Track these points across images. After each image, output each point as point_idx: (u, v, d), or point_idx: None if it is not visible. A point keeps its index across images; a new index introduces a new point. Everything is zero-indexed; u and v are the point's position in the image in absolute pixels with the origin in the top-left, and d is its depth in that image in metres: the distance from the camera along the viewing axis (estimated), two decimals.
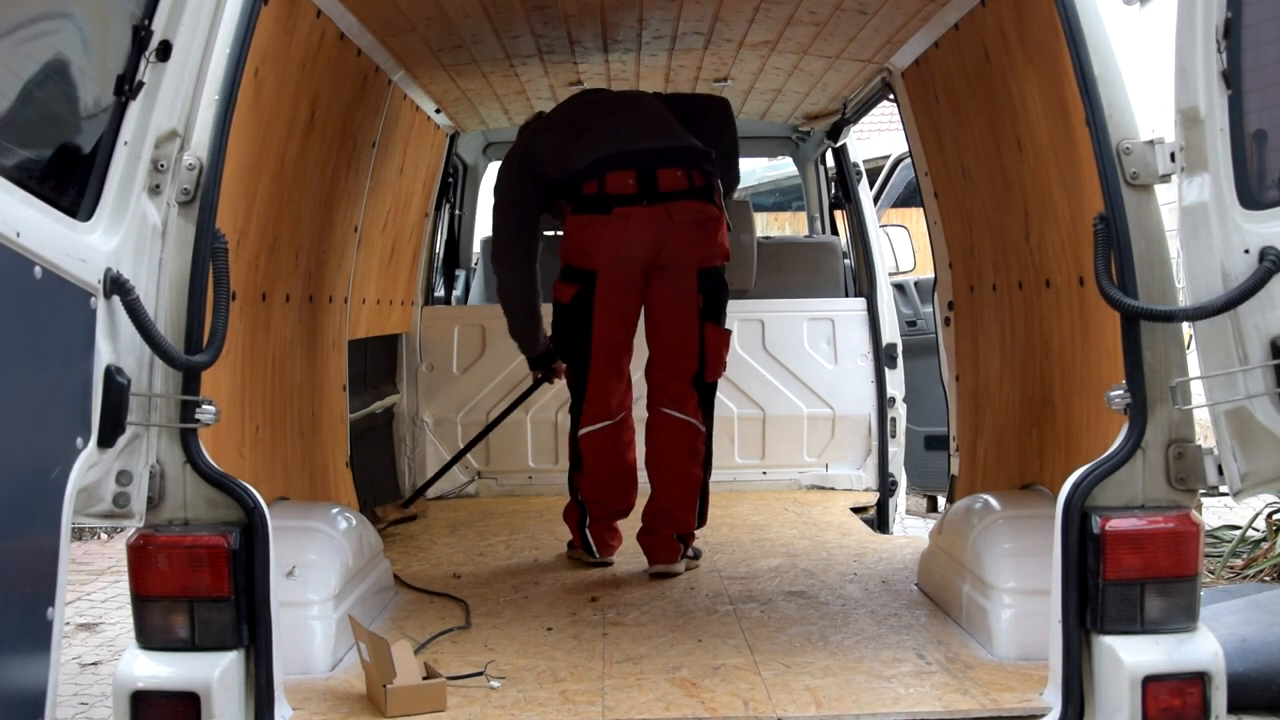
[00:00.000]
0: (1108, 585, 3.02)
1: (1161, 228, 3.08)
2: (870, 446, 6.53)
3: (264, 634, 3.02)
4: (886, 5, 4.46)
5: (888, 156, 9.76)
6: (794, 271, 6.82)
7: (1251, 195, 2.86)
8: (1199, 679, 3.00)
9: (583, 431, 4.90)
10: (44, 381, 2.58)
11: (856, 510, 6.16)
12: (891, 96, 5.34)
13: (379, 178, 5.17)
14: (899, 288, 7.26)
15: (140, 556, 3.01)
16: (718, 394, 6.28)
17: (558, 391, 5.97)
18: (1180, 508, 3.07)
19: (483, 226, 6.61)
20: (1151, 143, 3.05)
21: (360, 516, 4.18)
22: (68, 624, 6.77)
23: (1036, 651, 3.31)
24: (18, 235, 2.40)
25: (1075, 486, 3.06)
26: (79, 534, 8.76)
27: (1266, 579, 6.86)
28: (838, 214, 7.36)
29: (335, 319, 4.75)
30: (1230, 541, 7.33)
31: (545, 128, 5.09)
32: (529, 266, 5.09)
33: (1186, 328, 3.02)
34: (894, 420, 6.48)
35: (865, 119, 6.67)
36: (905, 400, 6.53)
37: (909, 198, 8.73)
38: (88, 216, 2.76)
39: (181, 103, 2.96)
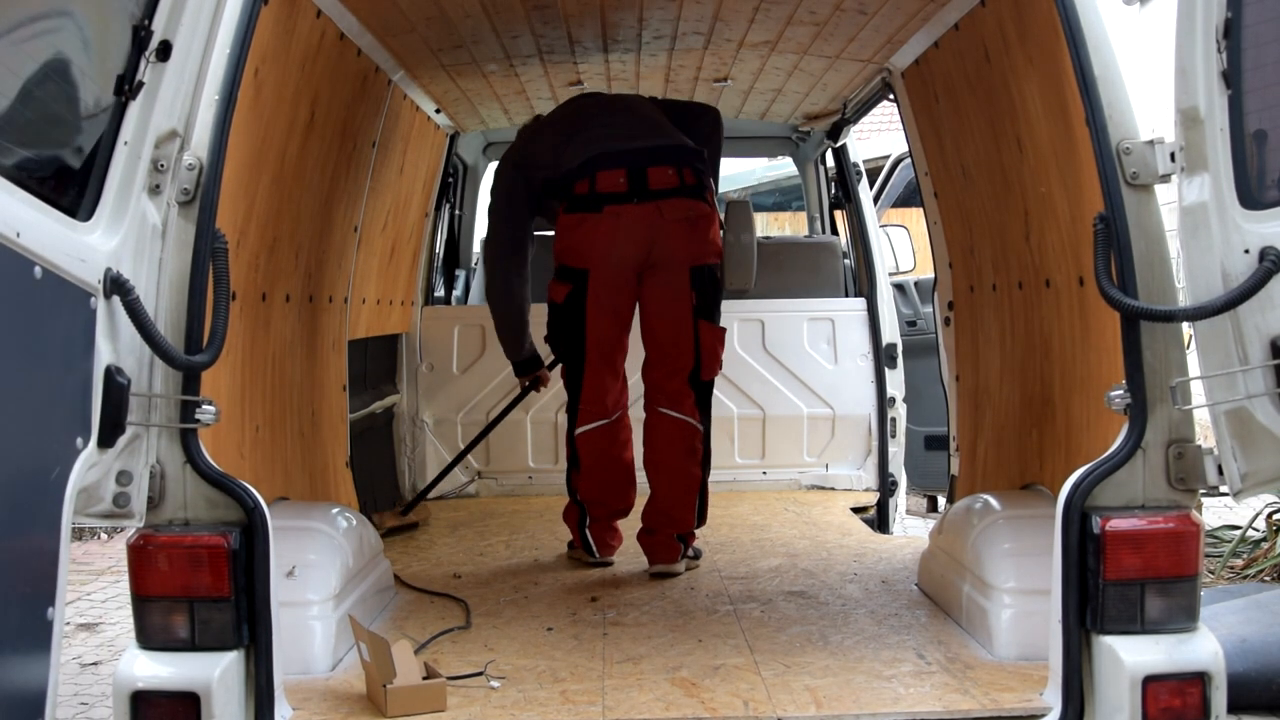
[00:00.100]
0: (1108, 585, 3.02)
1: (1161, 228, 3.07)
2: (870, 446, 6.53)
3: (264, 634, 3.02)
4: (886, 5, 4.46)
5: (888, 156, 9.76)
6: (794, 271, 6.82)
7: (1251, 195, 2.86)
8: (1199, 679, 3.00)
9: (579, 431, 4.90)
10: (44, 381, 2.58)
11: (856, 510, 6.16)
12: (891, 96, 5.34)
13: (379, 178, 5.17)
14: (899, 288, 7.26)
15: (140, 556, 3.01)
16: (718, 394, 6.32)
17: (558, 392, 5.96)
18: (1180, 508, 3.07)
19: (483, 227, 6.61)
20: (1151, 143, 3.05)
21: (360, 516, 4.18)
22: (68, 624, 6.77)
23: (1036, 651, 3.31)
24: (18, 235, 2.40)
25: (1075, 486, 3.06)
26: (79, 534, 8.75)
27: (1266, 579, 6.86)
28: (838, 214, 7.36)
29: (335, 319, 4.75)
30: (1230, 541, 7.33)
31: (540, 131, 5.12)
32: (520, 271, 5.10)
33: (1186, 328, 3.02)
34: (894, 420, 6.49)
35: (865, 119, 6.67)
36: (905, 400, 6.54)
37: (909, 198, 8.73)
38: (88, 216, 2.76)
39: (181, 103, 2.96)
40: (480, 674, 3.47)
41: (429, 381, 6.56)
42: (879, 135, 15.08)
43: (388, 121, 5.11)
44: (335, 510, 3.99)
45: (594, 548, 4.91)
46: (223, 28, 3.05)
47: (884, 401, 6.48)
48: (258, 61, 3.41)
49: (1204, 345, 2.92)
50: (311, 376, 4.42)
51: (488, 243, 5.20)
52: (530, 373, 5.40)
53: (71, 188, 2.73)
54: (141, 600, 3.03)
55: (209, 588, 3.00)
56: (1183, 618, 3.05)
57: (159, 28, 2.85)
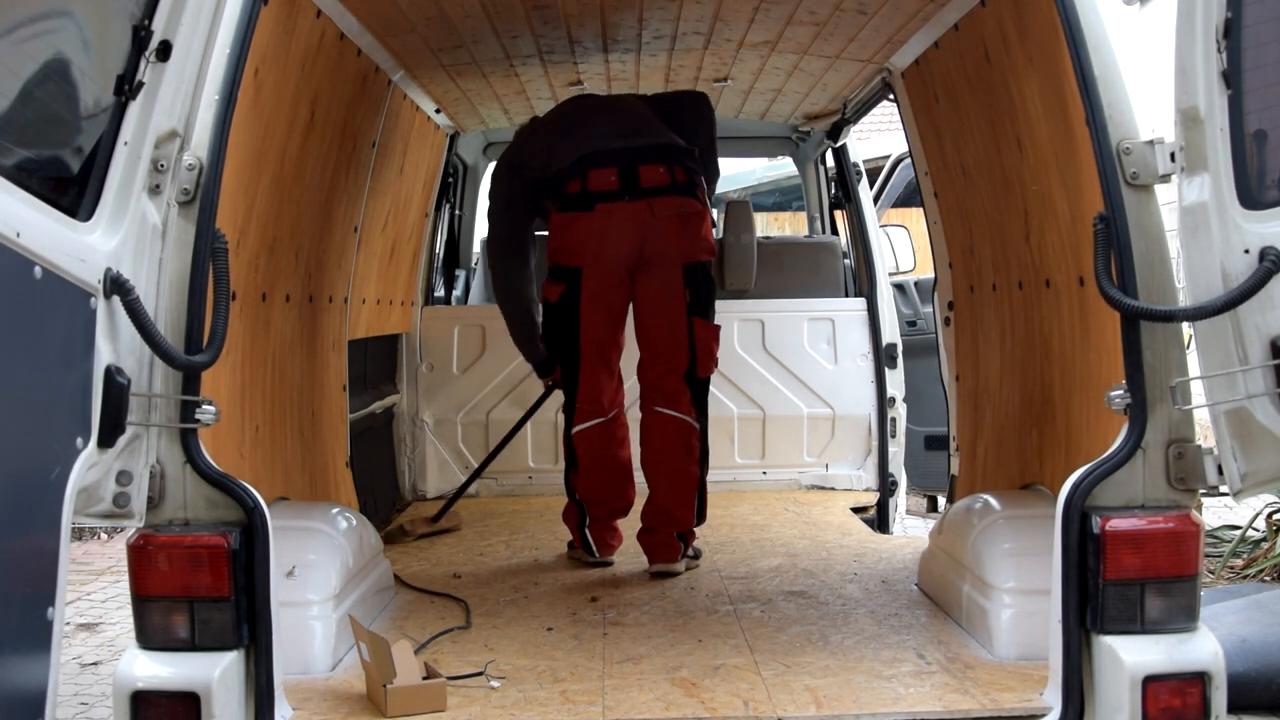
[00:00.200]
0: (1108, 585, 3.02)
1: (1161, 228, 3.07)
2: (870, 446, 6.53)
3: (264, 634, 3.02)
4: (886, 5, 4.46)
5: (888, 156, 9.76)
6: (794, 271, 6.82)
7: (1251, 195, 2.86)
8: (1199, 679, 3.00)
9: (576, 429, 4.91)
10: (44, 382, 2.58)
11: (856, 510, 6.16)
12: (891, 96, 5.34)
13: (379, 178, 5.17)
14: (899, 288, 7.26)
15: (140, 556, 3.01)
16: (718, 394, 6.35)
17: (559, 392, 5.97)
18: (1180, 508, 3.07)
19: (483, 226, 6.61)
20: (1151, 143, 3.05)
21: (360, 516, 4.18)
22: (68, 624, 6.77)
23: (1036, 651, 3.31)
24: (18, 235, 2.40)
25: (1075, 486, 3.06)
26: (79, 534, 8.75)
27: (1266, 579, 6.86)
28: (838, 214, 7.36)
29: (335, 319, 4.75)
30: (1230, 541, 7.33)
31: (534, 132, 5.15)
32: (523, 272, 5.13)
33: (1186, 328, 3.02)
34: (894, 420, 6.49)
35: (865, 119, 6.67)
36: (905, 400, 6.54)
37: (909, 198, 8.73)
38: (88, 216, 2.76)
39: (181, 103, 2.96)
40: (480, 674, 3.47)
41: (429, 381, 6.56)
42: (879, 135, 15.08)
43: (388, 121, 5.11)
44: (335, 510, 3.99)
45: (594, 547, 4.91)
46: (223, 28, 3.05)
47: (884, 401, 6.48)
48: (258, 61, 3.41)
49: (1204, 345, 2.92)
50: (311, 376, 4.42)
51: (489, 245, 5.23)
52: (552, 372, 5.39)
53: (71, 188, 2.73)
54: (141, 600, 3.03)
55: (209, 588, 3.00)
56: (1183, 618, 3.05)
57: (159, 28, 2.85)
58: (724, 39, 5.15)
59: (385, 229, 5.53)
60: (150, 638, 3.03)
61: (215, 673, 2.97)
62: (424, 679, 3.27)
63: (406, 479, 6.49)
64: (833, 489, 6.51)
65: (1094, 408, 3.49)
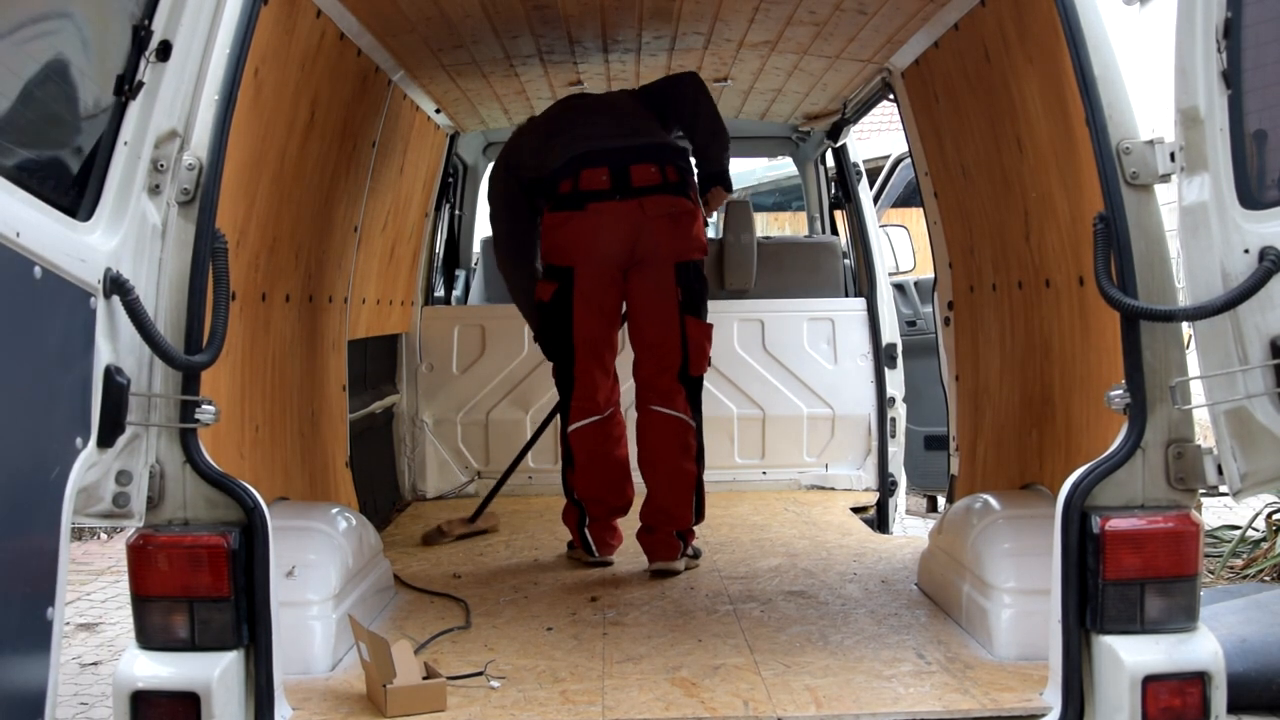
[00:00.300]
0: (1107, 585, 3.02)
1: (1161, 228, 3.07)
2: (870, 446, 6.53)
3: (264, 634, 3.02)
4: (886, 5, 4.46)
5: (888, 156, 9.76)
6: (794, 271, 6.82)
7: (1251, 195, 2.86)
8: (1199, 679, 3.00)
9: (572, 427, 4.93)
10: (44, 381, 2.58)
11: (856, 510, 6.16)
12: (891, 96, 5.34)
13: (379, 178, 5.17)
14: (899, 288, 7.27)
15: (140, 556, 3.01)
16: (718, 394, 6.36)
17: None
18: (1180, 508, 3.07)
19: (482, 226, 6.62)
20: (1151, 143, 3.05)
21: (360, 516, 4.18)
22: (68, 624, 6.77)
23: (1036, 651, 3.31)
24: (18, 235, 2.40)
25: (1075, 486, 3.06)
26: (79, 534, 8.75)
27: (1266, 579, 6.86)
28: (838, 214, 7.36)
29: (335, 319, 4.75)
30: (1230, 541, 7.33)
31: (527, 133, 5.17)
32: (530, 271, 5.17)
33: (1186, 328, 3.02)
34: (894, 420, 6.49)
35: (865, 119, 6.67)
36: (905, 400, 6.54)
37: (909, 198, 8.73)
38: (88, 216, 2.76)
39: (181, 103, 2.96)
40: (480, 674, 3.47)
41: (429, 381, 6.56)
42: (879, 135, 15.08)
43: (388, 121, 5.11)
44: (335, 510, 3.99)
45: (594, 547, 4.92)
46: (223, 28, 3.05)
47: (884, 401, 6.48)
48: (258, 61, 3.41)
49: (1204, 345, 2.92)
50: (311, 376, 4.42)
51: (495, 247, 5.27)
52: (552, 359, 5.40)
53: (71, 188, 2.73)
54: (141, 600, 3.03)
55: (209, 588, 2.99)
56: (1182, 617, 3.05)
57: (159, 28, 2.85)
58: (724, 39, 5.15)
59: (385, 229, 5.53)
60: (150, 638, 3.03)
61: (215, 673, 2.97)
62: (424, 679, 3.27)
63: (406, 479, 6.49)
64: (833, 489, 6.51)
65: (1094, 408, 3.49)
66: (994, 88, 4.09)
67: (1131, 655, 2.99)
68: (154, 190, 2.95)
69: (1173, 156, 2.96)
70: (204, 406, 2.99)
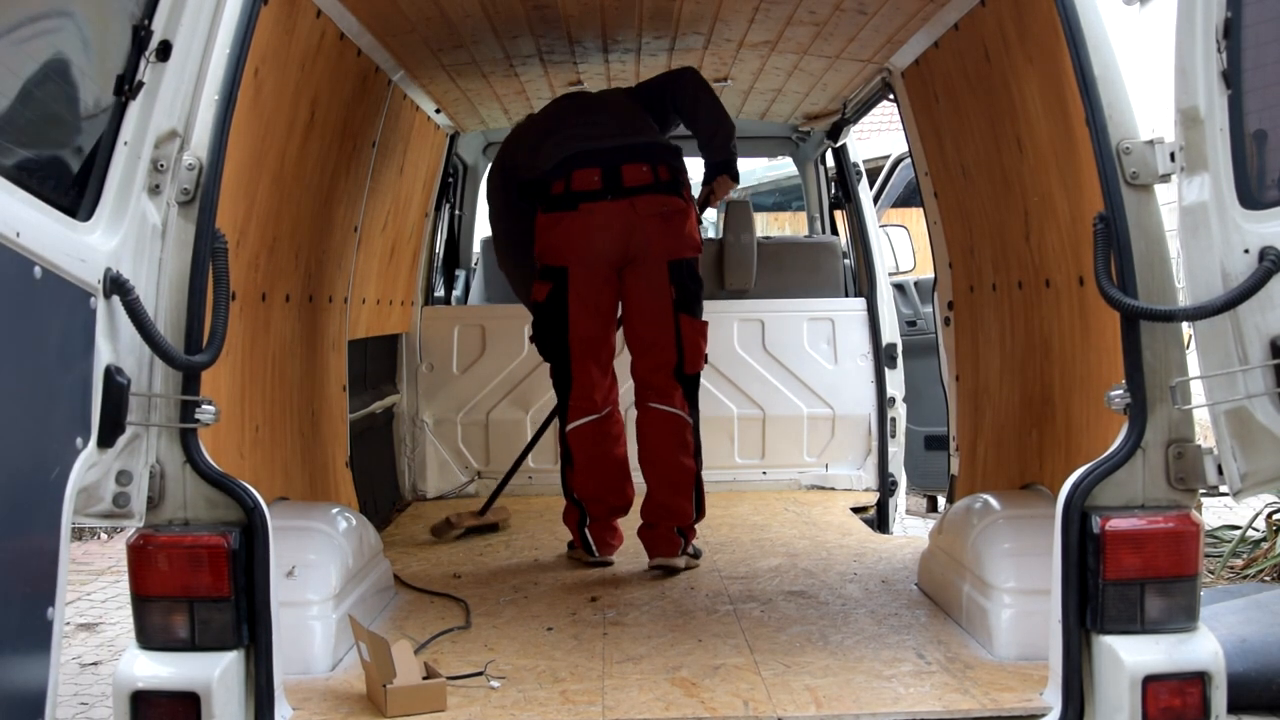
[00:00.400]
0: (1108, 585, 3.02)
1: (1161, 228, 3.07)
2: (870, 446, 6.53)
3: (264, 634, 3.02)
4: (886, 5, 4.46)
5: (888, 156, 9.76)
6: (794, 271, 6.82)
7: (1251, 195, 2.86)
8: (1199, 679, 3.00)
9: (570, 427, 4.94)
10: (44, 381, 2.58)
11: (856, 510, 6.16)
12: (891, 96, 5.34)
13: (379, 178, 5.17)
14: (899, 288, 7.26)
15: (140, 556, 3.01)
16: (718, 393, 6.36)
17: None
18: (1180, 508, 3.07)
19: (482, 226, 6.62)
20: (1151, 143, 3.05)
21: (360, 516, 4.18)
22: (68, 624, 6.77)
23: (1036, 651, 3.31)
24: (18, 235, 2.40)
25: (1075, 486, 3.05)
26: (79, 534, 8.75)
27: (1266, 579, 6.86)
28: (838, 214, 7.36)
29: (335, 319, 4.75)
30: (1230, 541, 7.33)
31: (523, 133, 5.19)
32: (532, 266, 5.15)
33: (1186, 328, 3.02)
34: (894, 420, 6.49)
35: (865, 119, 6.67)
36: (905, 400, 6.54)
37: (909, 198, 8.73)
38: (88, 216, 2.76)
39: (181, 103, 2.96)
40: (480, 674, 3.47)
41: (429, 381, 6.56)
42: (879, 135, 15.08)
43: (388, 121, 5.11)
44: (335, 510, 3.99)
45: (594, 547, 4.92)
46: (223, 28, 3.05)
47: (884, 401, 6.48)
48: (258, 61, 3.41)
49: (1204, 345, 2.92)
50: (311, 376, 4.42)
51: (495, 246, 5.32)
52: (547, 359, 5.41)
53: (71, 188, 2.73)
54: (141, 600, 3.03)
55: (209, 588, 2.99)
56: (1183, 617, 3.05)
57: (159, 28, 2.85)
58: (724, 39, 5.15)
59: (385, 229, 5.53)
60: (150, 638, 3.03)
61: (215, 673, 2.97)
62: (424, 679, 3.27)
63: (406, 479, 6.49)
64: (833, 489, 6.51)
65: (1094, 408, 3.49)
66: (994, 88, 4.09)
67: (1131, 655, 2.99)
68: (154, 190, 2.95)
69: (1173, 156, 2.96)
70: (204, 406, 2.99)
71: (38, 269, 2.48)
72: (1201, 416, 3.04)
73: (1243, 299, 2.82)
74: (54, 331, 2.61)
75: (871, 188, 7.50)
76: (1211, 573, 6.94)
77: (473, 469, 6.54)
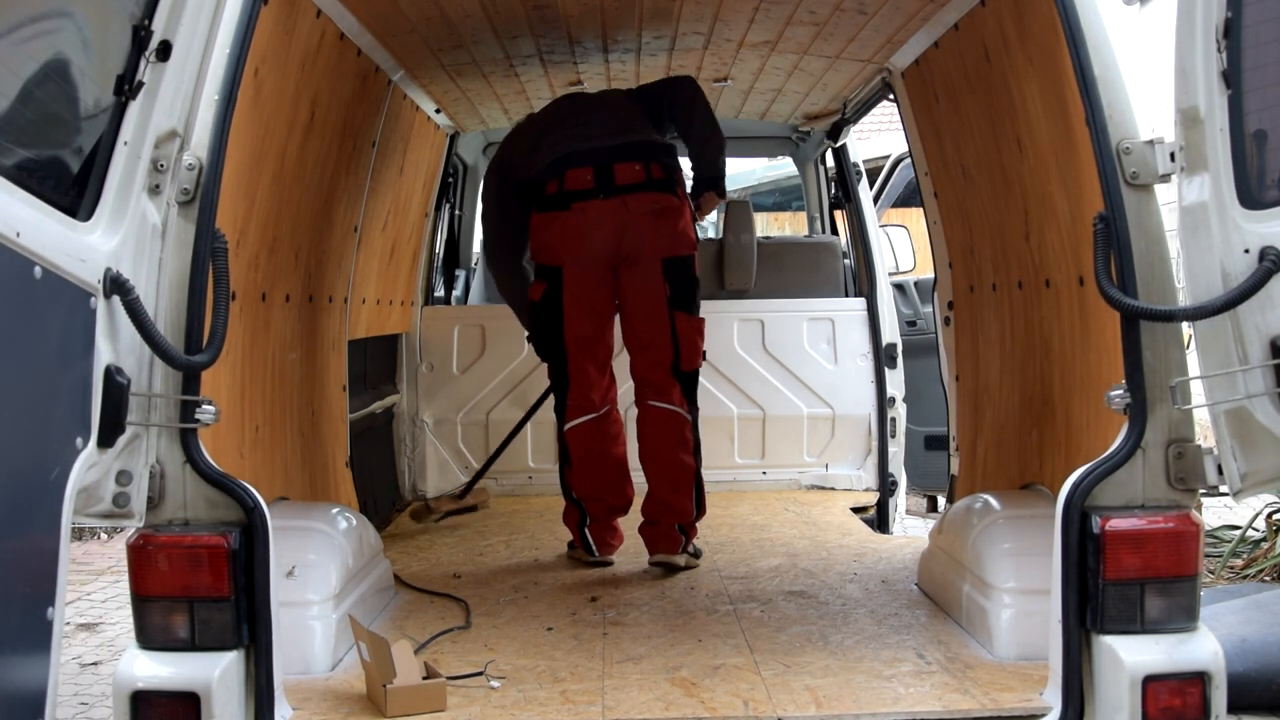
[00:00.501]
0: (1108, 585, 3.02)
1: (1161, 228, 3.07)
2: (870, 446, 6.53)
3: (264, 634, 3.02)
4: (886, 5, 4.46)
5: (888, 156, 9.76)
6: (794, 271, 6.82)
7: (1251, 195, 2.86)
8: (1199, 679, 3.00)
9: (568, 425, 4.95)
10: (44, 381, 2.58)
11: (856, 510, 6.16)
12: (891, 96, 5.34)
13: (379, 178, 5.17)
14: (899, 288, 7.27)
15: (140, 556, 3.01)
16: (718, 393, 6.36)
17: None
18: (1180, 507, 3.07)
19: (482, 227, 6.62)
20: (1151, 143, 3.05)
21: (360, 516, 4.18)
22: (68, 624, 6.77)
23: (1036, 651, 3.31)
24: (18, 235, 2.40)
25: (1075, 486, 3.05)
26: (79, 534, 8.75)
27: (1266, 579, 6.86)
28: (838, 214, 7.36)
29: (335, 319, 4.76)
30: (1230, 541, 7.33)
31: (519, 135, 5.20)
32: (520, 269, 5.25)
33: (1186, 327, 3.02)
34: (894, 420, 6.49)
35: (865, 119, 6.67)
36: (905, 400, 6.54)
37: (909, 198, 8.73)
38: (88, 216, 2.76)
39: (181, 103, 2.96)
40: (480, 674, 3.47)
41: (429, 381, 6.56)
42: (879, 135, 15.08)
43: (388, 121, 5.11)
44: (335, 510, 3.99)
45: (594, 547, 4.92)
46: (223, 28, 3.05)
47: (884, 401, 6.48)
48: (258, 61, 3.41)
49: (1204, 345, 2.92)
50: (311, 376, 4.42)
51: (486, 246, 5.34)
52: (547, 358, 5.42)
53: (71, 188, 2.73)
54: (141, 600, 3.03)
55: (209, 588, 2.99)
56: (1183, 617, 3.05)
57: (159, 28, 2.85)
58: (724, 39, 5.15)
59: (385, 229, 5.53)
60: (150, 638, 3.03)
61: (215, 673, 2.97)
62: (424, 679, 3.27)
63: (406, 479, 6.49)
64: (833, 489, 6.51)
65: (1094, 408, 3.49)
66: (994, 88, 4.09)
67: (1131, 655, 2.99)
68: (154, 190, 2.95)
69: (1173, 156, 2.96)
70: (204, 406, 2.99)
71: (38, 269, 2.48)
72: (1201, 416, 3.04)
73: (1243, 299, 2.82)
74: (54, 331, 2.61)
75: (871, 188, 7.50)
76: (1211, 573, 6.94)
77: (473, 469, 6.53)
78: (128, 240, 2.86)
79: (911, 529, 7.26)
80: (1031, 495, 3.96)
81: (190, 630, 3.00)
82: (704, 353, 4.97)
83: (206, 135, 3.04)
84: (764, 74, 5.76)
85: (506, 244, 5.24)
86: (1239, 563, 7.13)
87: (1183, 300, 3.01)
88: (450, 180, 6.98)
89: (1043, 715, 3.11)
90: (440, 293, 7.18)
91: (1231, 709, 4.04)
